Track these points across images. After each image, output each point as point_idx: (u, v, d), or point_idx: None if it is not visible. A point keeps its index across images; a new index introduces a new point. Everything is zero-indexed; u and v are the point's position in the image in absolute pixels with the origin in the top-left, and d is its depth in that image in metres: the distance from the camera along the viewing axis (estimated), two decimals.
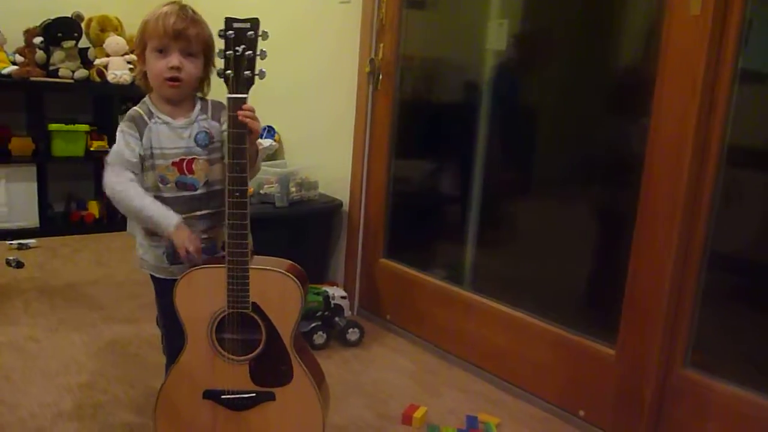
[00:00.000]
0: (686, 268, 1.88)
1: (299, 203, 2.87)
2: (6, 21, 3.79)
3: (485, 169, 2.63)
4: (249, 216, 1.53)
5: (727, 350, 1.94)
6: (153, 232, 1.65)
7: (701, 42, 1.76)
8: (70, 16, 3.91)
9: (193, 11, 1.61)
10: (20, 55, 3.80)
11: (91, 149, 3.97)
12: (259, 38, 1.48)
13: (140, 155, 1.59)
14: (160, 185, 1.62)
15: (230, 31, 1.47)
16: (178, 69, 1.57)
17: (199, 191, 1.64)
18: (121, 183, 1.57)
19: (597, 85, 2.27)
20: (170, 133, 1.62)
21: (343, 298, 2.71)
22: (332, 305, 2.63)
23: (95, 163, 4.07)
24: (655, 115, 1.89)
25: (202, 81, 1.65)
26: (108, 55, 4.00)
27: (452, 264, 2.75)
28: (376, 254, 2.90)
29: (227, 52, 1.47)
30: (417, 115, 2.87)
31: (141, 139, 1.60)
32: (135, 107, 1.65)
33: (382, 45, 2.76)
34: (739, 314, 1.93)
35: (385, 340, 2.71)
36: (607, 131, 2.24)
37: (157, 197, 1.61)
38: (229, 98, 1.49)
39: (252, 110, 1.51)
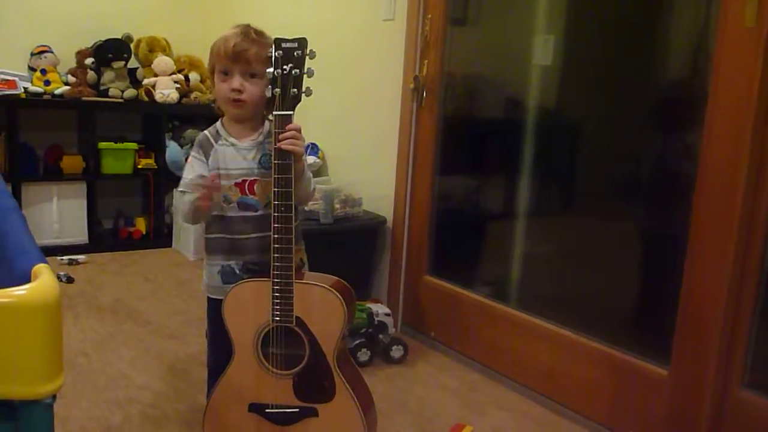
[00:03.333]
0: (743, 285, 1.82)
1: (343, 220, 2.88)
2: (59, 43, 3.92)
3: (531, 185, 2.60)
4: (295, 231, 1.55)
5: None
6: (212, 251, 1.71)
7: (756, 55, 1.72)
8: (120, 37, 4.02)
9: (257, 32, 1.65)
10: (72, 75, 3.91)
11: (139, 167, 4.05)
12: (306, 57, 1.52)
13: (202, 176, 1.63)
14: (224, 205, 1.67)
15: (279, 51, 1.51)
16: (239, 91, 1.62)
17: (260, 212, 1.67)
18: (184, 204, 1.64)
19: (646, 100, 2.23)
20: (235, 154, 1.67)
21: (387, 315, 2.69)
22: (376, 322, 2.62)
23: (143, 180, 4.15)
24: (708, 131, 1.85)
25: (270, 99, 1.67)
26: (156, 75, 4.09)
27: (497, 281, 2.72)
28: (420, 271, 2.88)
29: (275, 71, 1.51)
30: (461, 131, 2.86)
31: (207, 161, 1.66)
32: (204, 131, 1.72)
33: (426, 62, 2.76)
34: None
35: (429, 358, 2.69)
36: (657, 147, 2.20)
37: (221, 217, 1.67)
38: (275, 115, 1.53)
39: (297, 129, 1.54)
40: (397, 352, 2.60)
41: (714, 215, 1.84)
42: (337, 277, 1.65)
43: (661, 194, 2.17)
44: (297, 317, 1.57)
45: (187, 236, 3.94)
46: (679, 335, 1.95)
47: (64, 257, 3.68)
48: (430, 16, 2.74)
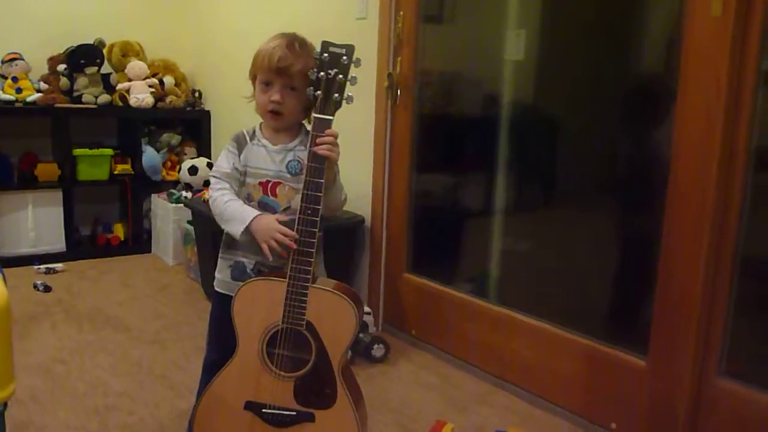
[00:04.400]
0: (718, 275, 1.84)
1: (322, 219, 2.85)
2: (30, 50, 3.86)
3: (507, 181, 2.61)
4: (317, 236, 1.55)
5: (762, 358, 1.88)
6: (227, 246, 1.72)
7: (724, 44, 1.73)
8: (92, 42, 3.98)
9: (301, 44, 1.66)
10: (45, 82, 3.86)
11: (116, 173, 4.01)
12: (352, 65, 1.54)
13: (237, 169, 1.67)
14: (246, 201, 1.68)
15: (325, 54, 1.52)
16: (278, 104, 1.63)
17: (278, 214, 1.66)
18: (214, 190, 1.67)
19: (619, 93, 2.24)
20: (266, 156, 1.69)
21: (367, 314, 2.69)
22: None
23: (120, 185, 4.11)
24: (679, 121, 1.86)
25: (308, 108, 1.66)
26: (130, 80, 4.05)
27: (477, 277, 2.72)
28: (400, 269, 2.88)
29: (320, 74, 1.52)
30: (437, 128, 2.86)
31: (239, 156, 1.68)
32: (243, 129, 1.73)
33: (399, 59, 2.76)
34: None
35: (410, 356, 2.69)
36: (631, 140, 2.21)
37: None
38: (315, 118, 1.54)
39: (335, 135, 1.56)
40: (378, 351, 2.59)
41: (688, 206, 1.85)
42: (345, 284, 1.65)
43: (636, 187, 2.18)
44: (307, 322, 1.56)
45: (166, 241, 3.91)
46: (656, 326, 1.96)
47: (41, 266, 3.64)
48: (402, 13, 2.73)
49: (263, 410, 1.61)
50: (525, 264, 2.59)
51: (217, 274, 1.77)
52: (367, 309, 2.70)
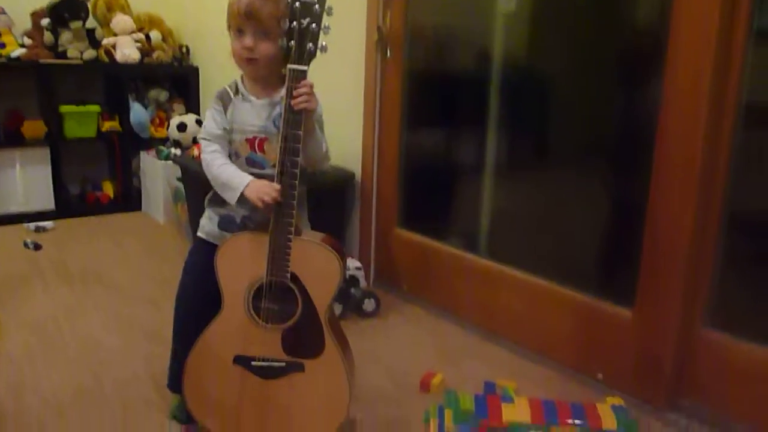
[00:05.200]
0: (705, 228, 1.85)
1: (311, 175, 2.84)
2: (12, 4, 3.78)
3: (499, 138, 2.60)
4: (298, 188, 1.53)
5: (748, 309, 1.91)
6: (216, 202, 1.72)
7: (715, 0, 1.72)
8: None
9: None
10: (28, 37, 3.80)
11: (103, 130, 3.98)
12: (325, 13, 1.51)
13: (225, 128, 1.66)
14: (233, 159, 1.67)
15: (297, 3, 1.49)
16: (250, 50, 1.60)
17: (266, 170, 1.65)
18: (206, 153, 1.65)
19: (611, 48, 2.21)
20: (251, 111, 1.66)
21: (358, 269, 2.70)
22: (347, 276, 2.63)
23: (108, 143, 4.08)
24: (669, 75, 1.85)
25: (286, 59, 1.62)
26: (116, 35, 3.98)
27: (468, 232, 2.73)
28: (391, 224, 2.89)
29: (292, 24, 1.50)
30: (428, 83, 2.83)
31: (225, 114, 1.66)
32: (225, 85, 1.70)
33: (389, 12, 2.72)
34: (760, 273, 1.90)
35: (401, 310, 2.71)
36: (621, 94, 2.20)
37: None
38: (289, 69, 1.52)
39: (310, 86, 1.53)
40: (369, 305, 2.61)
41: (676, 160, 1.85)
42: (327, 234, 1.65)
43: (627, 143, 2.17)
44: (292, 273, 1.56)
45: (157, 199, 3.89)
46: (643, 278, 1.98)
47: (30, 224, 3.63)
48: None
49: (252, 363, 1.63)
50: (515, 220, 2.60)
51: (202, 221, 1.76)
52: (357, 264, 2.71)
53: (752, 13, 1.72)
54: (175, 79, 4.27)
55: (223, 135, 1.66)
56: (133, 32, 4.03)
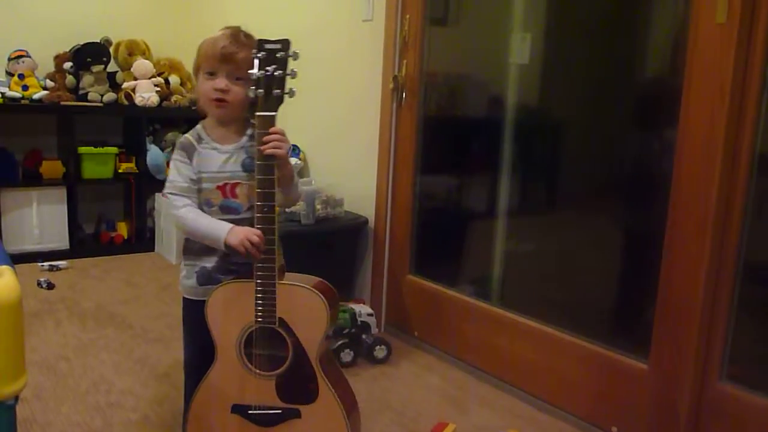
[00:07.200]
0: (720, 279, 1.84)
1: (325, 220, 2.88)
2: (37, 47, 3.88)
3: (511, 183, 2.61)
4: (277, 232, 1.55)
5: (765, 362, 1.88)
6: (189, 251, 1.70)
7: (728, 50, 1.74)
8: (98, 41, 4.00)
9: (246, 36, 1.65)
10: (51, 80, 3.88)
11: (120, 171, 4.03)
12: (290, 58, 1.53)
13: (192, 179, 1.64)
14: (205, 208, 1.65)
15: (262, 52, 1.52)
16: (223, 91, 1.61)
17: (242, 215, 1.66)
18: (177, 209, 1.63)
19: (623, 97, 2.24)
20: (219, 157, 1.66)
21: (369, 315, 2.69)
22: (359, 322, 2.62)
23: (124, 184, 4.13)
24: (683, 125, 1.87)
25: (253, 103, 1.65)
26: (136, 79, 4.07)
27: (480, 279, 2.73)
28: (403, 271, 2.89)
29: (258, 72, 1.51)
30: (442, 130, 2.87)
31: (191, 163, 1.65)
32: (186, 135, 1.70)
33: (405, 61, 2.77)
34: None
35: (413, 357, 2.69)
36: (635, 143, 2.22)
37: None
38: (257, 116, 1.53)
39: (280, 133, 1.54)
40: (380, 352, 2.60)
41: (690, 210, 1.86)
42: (319, 278, 1.65)
43: (639, 191, 2.18)
44: (280, 318, 1.57)
45: (170, 240, 3.92)
46: (658, 329, 1.96)
47: (44, 263, 3.65)
48: (408, 16, 2.74)
49: (249, 411, 1.63)
50: (528, 267, 2.60)
51: (183, 281, 1.73)
52: (369, 310, 2.70)
53: (765, 61, 1.73)
54: (192, 122, 4.29)
55: (190, 187, 1.64)
56: (152, 76, 4.11)
